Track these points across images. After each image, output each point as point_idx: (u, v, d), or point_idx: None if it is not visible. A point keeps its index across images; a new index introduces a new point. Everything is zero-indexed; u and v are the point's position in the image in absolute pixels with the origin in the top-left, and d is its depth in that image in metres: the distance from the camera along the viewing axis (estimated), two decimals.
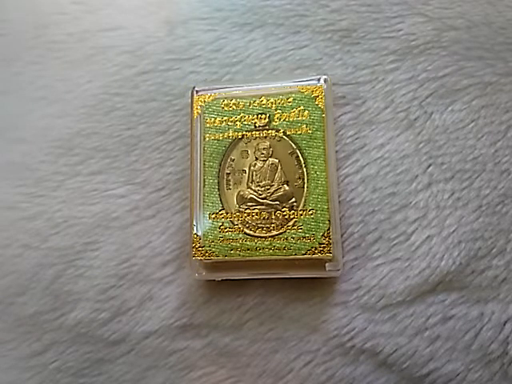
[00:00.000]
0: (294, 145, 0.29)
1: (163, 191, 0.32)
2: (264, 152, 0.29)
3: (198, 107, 0.31)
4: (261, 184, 0.29)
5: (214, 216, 0.29)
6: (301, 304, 0.29)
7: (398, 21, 0.33)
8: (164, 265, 0.31)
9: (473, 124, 0.30)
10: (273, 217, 0.28)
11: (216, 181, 0.29)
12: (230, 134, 0.30)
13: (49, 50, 0.36)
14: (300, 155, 0.29)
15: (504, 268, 0.28)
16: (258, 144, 0.30)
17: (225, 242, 0.28)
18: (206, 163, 0.30)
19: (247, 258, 0.28)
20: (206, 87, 0.31)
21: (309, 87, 0.30)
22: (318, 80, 0.30)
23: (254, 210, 0.28)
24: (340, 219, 0.29)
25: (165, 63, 0.34)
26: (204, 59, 0.34)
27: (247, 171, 0.29)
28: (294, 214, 0.28)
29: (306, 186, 0.28)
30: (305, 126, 0.29)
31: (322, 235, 0.27)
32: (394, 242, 0.29)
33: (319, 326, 0.28)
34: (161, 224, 0.31)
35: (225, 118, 0.30)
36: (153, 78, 0.34)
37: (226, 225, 0.28)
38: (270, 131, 0.30)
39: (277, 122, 0.30)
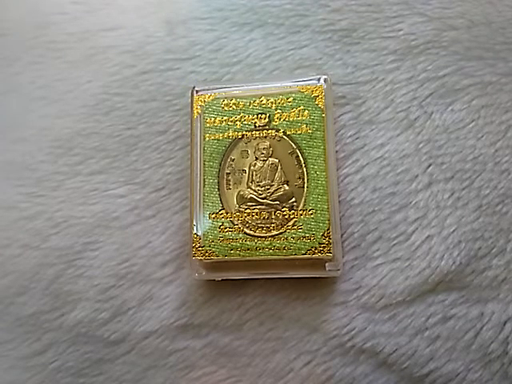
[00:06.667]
0: (293, 145, 0.29)
1: (163, 191, 0.32)
2: (264, 152, 0.29)
3: (198, 107, 0.31)
4: (261, 184, 0.29)
5: (213, 216, 0.29)
6: (301, 304, 0.29)
7: (398, 21, 0.33)
8: (164, 265, 0.31)
9: (473, 124, 0.30)
10: (273, 217, 0.28)
11: (216, 181, 0.29)
12: (230, 134, 0.30)
13: (49, 49, 0.36)
14: (300, 155, 0.29)
15: (504, 268, 0.28)
16: (257, 144, 0.30)
17: (225, 241, 0.28)
18: (206, 163, 0.30)
19: (247, 258, 0.28)
20: (206, 87, 0.31)
21: (309, 87, 0.30)
22: (318, 80, 0.30)
23: (253, 209, 0.28)
24: (340, 219, 0.29)
25: (165, 63, 0.34)
26: (204, 59, 0.34)
27: (247, 171, 0.29)
28: (293, 213, 0.28)
29: (305, 185, 0.28)
30: (305, 125, 0.29)
31: (322, 235, 0.27)
32: (394, 242, 0.29)
33: (319, 326, 0.28)
34: (161, 224, 0.31)
35: (225, 118, 0.30)
36: (153, 77, 0.34)
37: (226, 225, 0.28)
38: (270, 131, 0.30)
39: (277, 121, 0.30)
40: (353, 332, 0.28)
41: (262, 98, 0.30)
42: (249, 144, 0.30)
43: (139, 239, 0.31)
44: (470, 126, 0.30)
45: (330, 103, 0.30)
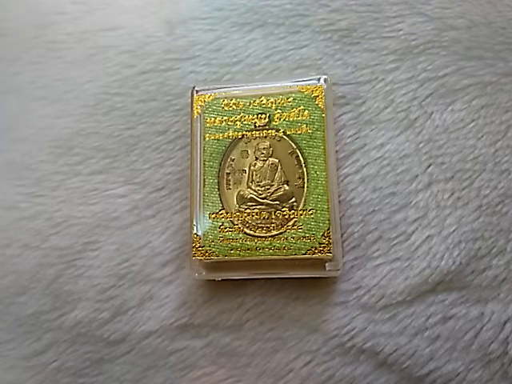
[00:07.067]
0: (293, 144, 0.29)
1: (163, 191, 0.32)
2: (264, 152, 0.29)
3: (198, 107, 0.31)
4: (261, 184, 0.29)
5: (213, 216, 0.29)
6: (301, 304, 0.29)
7: (398, 21, 0.33)
8: (164, 265, 0.31)
9: (473, 124, 0.30)
10: (273, 217, 0.28)
11: (216, 181, 0.29)
12: (230, 134, 0.30)
13: (49, 49, 0.36)
14: (300, 155, 0.29)
15: (504, 268, 0.28)
16: (257, 144, 0.30)
17: (225, 241, 0.28)
18: (206, 163, 0.30)
19: (247, 258, 0.28)
20: (206, 87, 0.31)
21: (309, 87, 0.30)
22: (318, 80, 0.30)
23: (254, 209, 0.28)
24: (340, 219, 0.29)
25: (165, 63, 0.34)
26: (204, 59, 0.34)
27: (247, 171, 0.29)
28: (293, 213, 0.28)
29: (305, 185, 0.28)
30: (305, 125, 0.29)
31: (322, 235, 0.27)
32: (394, 242, 0.29)
33: (319, 326, 0.28)
34: (161, 224, 0.31)
35: (225, 118, 0.30)
36: (153, 77, 0.34)
37: (226, 225, 0.28)
38: (269, 131, 0.30)
39: (277, 121, 0.30)
40: (353, 332, 0.28)
41: (262, 98, 0.30)
42: (249, 144, 0.30)
43: (139, 239, 0.31)
44: (470, 125, 0.30)
45: (330, 103, 0.30)
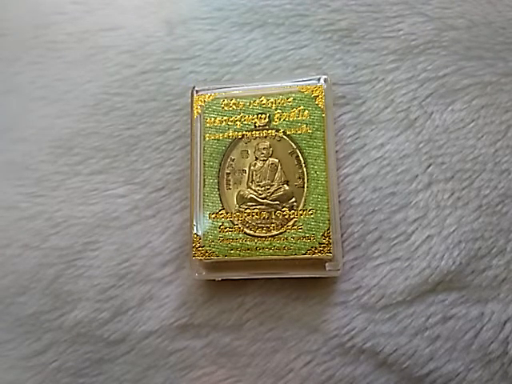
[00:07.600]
0: (294, 144, 0.29)
1: (163, 191, 0.32)
2: (264, 152, 0.29)
3: (198, 107, 0.31)
4: (261, 184, 0.29)
5: (213, 216, 0.29)
6: (301, 304, 0.29)
7: (398, 21, 0.33)
8: (164, 265, 0.31)
9: (473, 124, 0.30)
10: (273, 217, 0.28)
11: (216, 181, 0.29)
12: (230, 134, 0.30)
13: (49, 49, 0.36)
14: (300, 155, 0.29)
15: (504, 268, 0.28)
16: (258, 144, 0.30)
17: (225, 241, 0.28)
18: (206, 163, 0.30)
19: (247, 258, 0.28)
20: (206, 87, 0.31)
21: (309, 87, 0.30)
22: (318, 80, 0.30)
23: (254, 209, 0.28)
24: (340, 219, 0.29)
25: (165, 63, 0.34)
26: (204, 59, 0.34)
27: (247, 171, 0.29)
28: (293, 213, 0.28)
29: (305, 185, 0.28)
30: (305, 125, 0.29)
31: (322, 235, 0.27)
32: (394, 242, 0.29)
33: (319, 326, 0.28)
34: (161, 224, 0.31)
35: (225, 118, 0.30)
36: (153, 77, 0.34)
37: (226, 225, 0.28)
38: (270, 131, 0.30)
39: (277, 121, 0.30)
40: (353, 332, 0.28)
41: (262, 97, 0.30)
42: (249, 144, 0.30)
43: (139, 239, 0.31)
44: (470, 125, 0.30)
45: (330, 103, 0.30)
